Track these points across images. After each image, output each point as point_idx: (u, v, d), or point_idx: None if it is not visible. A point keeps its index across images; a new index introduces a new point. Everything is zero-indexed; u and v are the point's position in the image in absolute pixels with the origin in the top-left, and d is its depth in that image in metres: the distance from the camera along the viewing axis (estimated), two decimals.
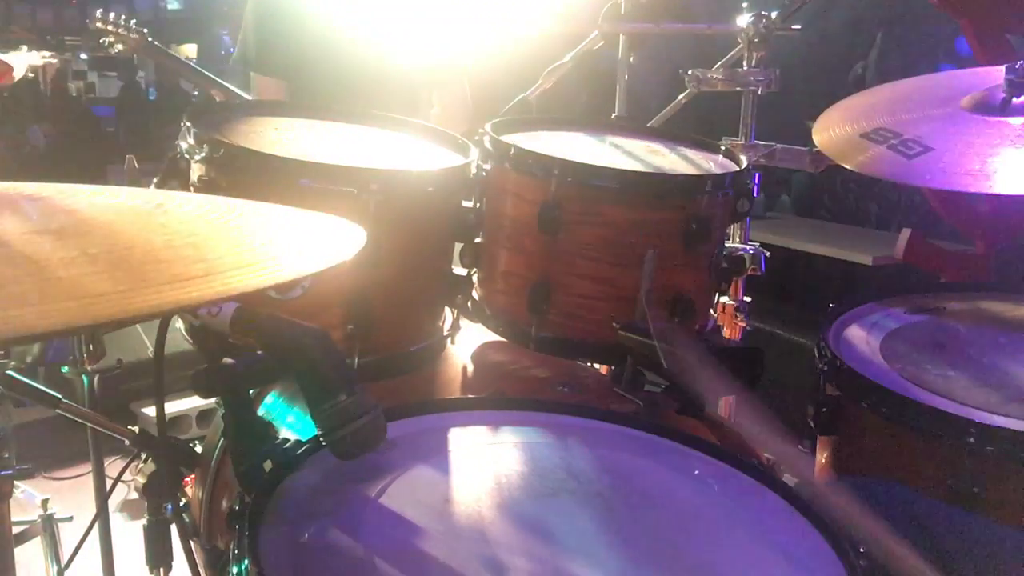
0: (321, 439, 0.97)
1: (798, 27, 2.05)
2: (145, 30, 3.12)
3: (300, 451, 1.01)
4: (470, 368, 1.55)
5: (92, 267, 0.64)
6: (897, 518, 1.09)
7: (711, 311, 1.56)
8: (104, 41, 3.15)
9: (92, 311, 0.56)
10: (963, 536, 1.09)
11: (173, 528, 1.46)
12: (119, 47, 3.11)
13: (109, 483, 1.95)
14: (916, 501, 1.16)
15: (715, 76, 2.00)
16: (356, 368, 1.35)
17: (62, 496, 3.16)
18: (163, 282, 0.63)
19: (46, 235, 0.71)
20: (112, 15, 3.12)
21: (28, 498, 2.34)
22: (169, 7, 8.39)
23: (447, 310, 1.54)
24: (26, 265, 0.63)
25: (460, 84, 2.56)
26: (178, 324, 1.38)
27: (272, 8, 2.35)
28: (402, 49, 2.39)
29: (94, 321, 0.55)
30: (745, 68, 1.95)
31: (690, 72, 2.04)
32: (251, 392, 1.04)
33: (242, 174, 1.29)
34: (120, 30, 3.09)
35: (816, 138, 1.56)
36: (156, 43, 3.11)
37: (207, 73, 2.87)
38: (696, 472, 1.08)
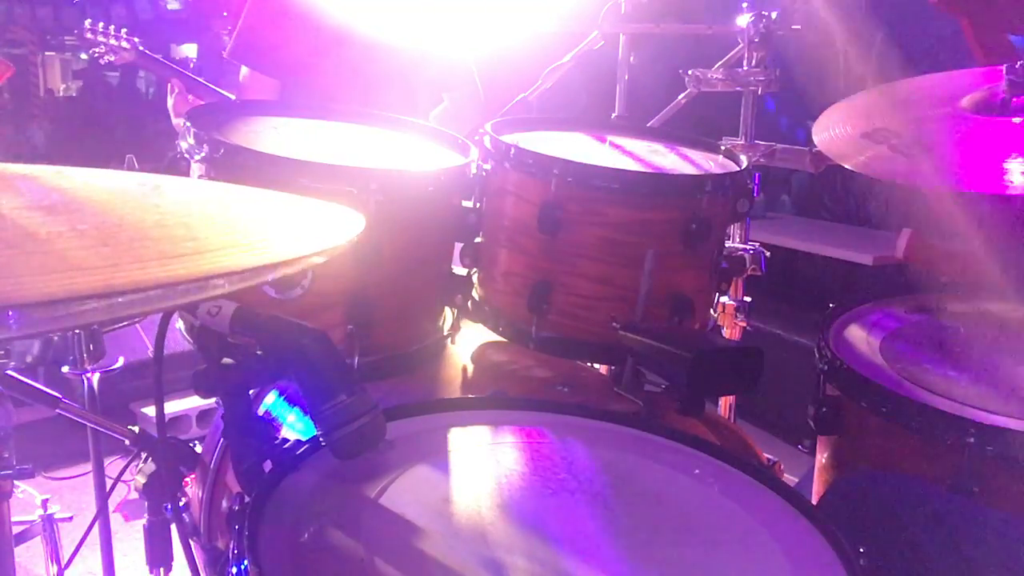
0: (321, 439, 0.97)
1: (798, 27, 2.05)
2: (137, 39, 3.11)
3: (300, 451, 1.01)
4: (470, 368, 1.55)
5: (79, 242, 0.63)
6: (910, 510, 1.10)
7: (711, 311, 1.56)
8: (94, 52, 3.14)
9: (75, 284, 0.56)
10: (974, 527, 1.09)
11: (173, 528, 1.46)
12: (110, 58, 3.10)
13: (109, 483, 1.95)
14: (929, 493, 1.17)
15: (715, 76, 2.00)
16: (356, 368, 1.34)
17: (62, 496, 3.17)
18: (150, 259, 0.62)
19: (36, 211, 0.70)
20: (101, 24, 3.10)
21: (28, 498, 2.34)
22: (169, 7, 8.36)
23: (447, 310, 1.54)
24: (12, 238, 0.63)
25: (472, 85, 2.56)
26: (178, 324, 1.38)
27: (272, 6, 2.34)
28: (403, 49, 2.39)
29: (76, 294, 0.54)
30: (745, 68, 1.95)
31: (690, 72, 2.04)
32: (251, 392, 1.04)
33: (242, 174, 1.29)
34: (111, 40, 3.08)
35: (816, 138, 1.56)
36: (148, 52, 3.10)
37: (201, 80, 2.86)
38: (696, 472, 1.08)
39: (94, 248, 0.63)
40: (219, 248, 0.66)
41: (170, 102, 2.67)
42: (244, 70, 2.42)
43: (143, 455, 1.53)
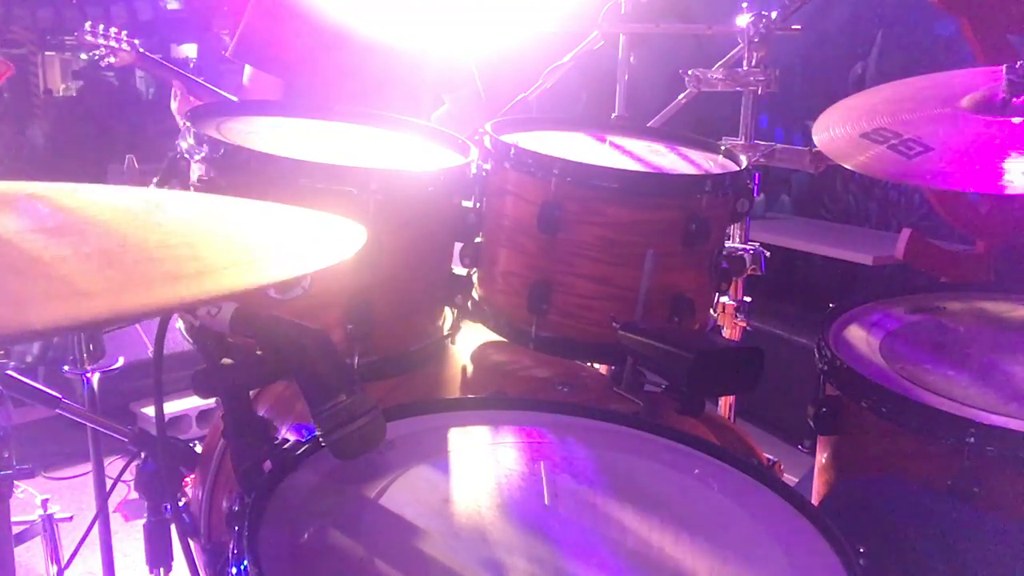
0: (321, 439, 0.97)
1: (798, 27, 2.05)
2: (137, 41, 3.11)
3: (300, 451, 1.01)
4: (470, 368, 1.55)
5: (84, 266, 0.63)
6: (904, 513, 1.10)
7: (711, 311, 1.56)
8: (95, 54, 3.14)
9: (81, 310, 0.56)
10: (970, 530, 1.09)
11: (173, 528, 1.46)
12: (111, 60, 3.11)
13: (109, 483, 1.95)
14: (923, 496, 1.16)
15: (715, 76, 2.00)
16: (356, 368, 1.34)
17: (62, 496, 3.17)
18: (155, 281, 0.63)
19: (40, 234, 0.70)
20: (101, 27, 3.10)
21: (28, 498, 2.34)
22: (169, 7, 8.36)
23: (447, 310, 1.54)
24: (17, 264, 0.63)
25: (472, 86, 2.57)
26: (178, 324, 1.38)
27: (273, 5, 2.34)
28: (403, 50, 2.39)
29: (82, 321, 0.55)
30: (745, 68, 1.95)
31: (690, 72, 2.04)
32: (251, 392, 1.04)
33: (242, 174, 1.29)
34: (111, 42, 3.09)
35: (816, 138, 1.56)
36: (148, 53, 3.10)
37: (200, 80, 2.86)
38: (696, 472, 1.08)
39: (99, 272, 0.63)
40: (222, 267, 0.67)
41: (174, 106, 2.68)
42: (248, 71, 2.42)
43: (143, 455, 1.53)
